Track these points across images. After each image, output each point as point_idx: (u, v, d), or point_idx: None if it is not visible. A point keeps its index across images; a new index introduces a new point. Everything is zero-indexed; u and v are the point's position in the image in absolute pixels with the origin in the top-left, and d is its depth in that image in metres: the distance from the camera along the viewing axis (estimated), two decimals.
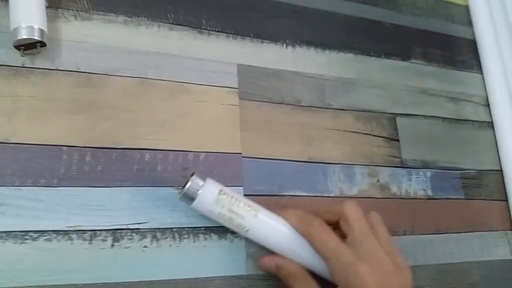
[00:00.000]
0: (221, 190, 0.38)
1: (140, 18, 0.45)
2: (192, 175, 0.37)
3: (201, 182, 0.37)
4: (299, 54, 0.51)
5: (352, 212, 0.39)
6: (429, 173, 0.52)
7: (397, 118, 0.54)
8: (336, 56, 0.53)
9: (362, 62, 0.55)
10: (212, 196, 0.37)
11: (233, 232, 0.41)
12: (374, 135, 0.51)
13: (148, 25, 0.45)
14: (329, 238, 0.37)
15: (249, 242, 0.41)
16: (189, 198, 0.37)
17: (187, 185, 0.37)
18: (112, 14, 0.44)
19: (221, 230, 0.41)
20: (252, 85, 0.47)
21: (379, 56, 0.56)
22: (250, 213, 0.38)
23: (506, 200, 0.55)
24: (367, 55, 0.55)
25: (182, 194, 0.37)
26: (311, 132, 0.48)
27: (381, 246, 0.37)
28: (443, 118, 0.57)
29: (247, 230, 0.38)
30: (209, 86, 0.45)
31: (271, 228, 0.39)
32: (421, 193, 0.51)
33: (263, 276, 0.41)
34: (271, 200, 0.43)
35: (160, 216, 0.39)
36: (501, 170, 0.57)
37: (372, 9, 0.58)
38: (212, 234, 0.40)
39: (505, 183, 0.56)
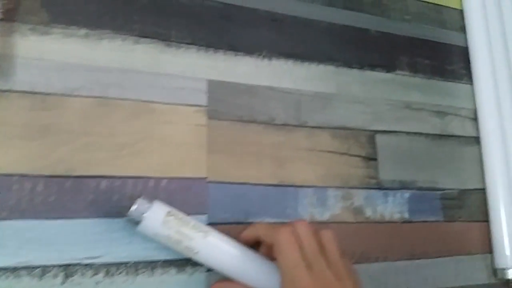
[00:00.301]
0: (169, 212, 0.36)
1: (103, 30, 0.42)
2: (139, 197, 0.36)
3: (147, 204, 0.36)
4: (275, 67, 0.49)
5: (283, 243, 0.36)
6: (407, 194, 0.50)
7: (377, 136, 0.51)
8: (315, 69, 0.50)
9: (343, 75, 0.52)
10: (159, 218, 0.36)
11: (193, 264, 0.39)
12: (351, 155, 0.49)
13: (111, 38, 0.42)
14: (294, 251, 0.35)
15: (210, 274, 0.40)
16: (135, 221, 0.35)
17: (133, 208, 0.35)
18: (74, 26, 0.41)
19: (181, 263, 0.39)
20: (223, 103, 0.45)
21: (362, 67, 0.53)
22: (199, 235, 0.37)
23: (487, 221, 0.53)
24: (349, 67, 0.52)
25: (127, 217, 0.35)
26: (284, 153, 0.46)
27: (330, 268, 0.35)
28: (426, 135, 0.54)
29: (196, 253, 0.37)
30: (175, 105, 0.43)
31: (221, 250, 0.38)
32: (396, 216, 0.49)
33: None
34: (237, 229, 0.41)
35: (115, 249, 0.38)
36: (484, 189, 0.55)
37: (358, 16, 0.55)
38: (171, 268, 0.39)
39: (488, 203, 0.54)
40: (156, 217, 0.36)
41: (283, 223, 0.40)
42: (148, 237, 0.37)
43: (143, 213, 0.35)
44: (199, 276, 0.39)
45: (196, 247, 0.37)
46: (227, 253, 0.38)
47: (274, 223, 0.44)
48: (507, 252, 0.51)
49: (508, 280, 0.51)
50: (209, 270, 0.39)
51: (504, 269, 0.50)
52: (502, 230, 0.52)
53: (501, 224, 0.53)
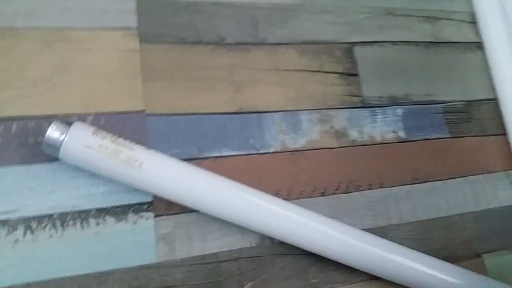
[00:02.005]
0: (95, 129, 0.29)
1: None
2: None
3: (66, 125, 0.28)
4: None
5: None
6: (400, 110, 0.42)
7: (355, 48, 0.43)
8: None
9: None
10: (87, 132, 0.29)
11: (136, 210, 0.31)
12: (325, 72, 0.41)
13: None
14: None
15: (159, 221, 0.32)
16: (55, 146, 0.28)
17: (49, 131, 0.28)
18: None
19: (120, 211, 0.31)
20: (158, 24, 0.37)
21: None
22: (140, 146, 0.30)
23: (505, 133, 0.44)
24: None
25: (44, 146, 0.29)
26: (241, 76, 0.38)
27: None
28: (417, 43, 0.46)
29: (140, 164, 0.29)
30: (97, 30, 0.35)
31: (171, 162, 0.31)
32: (390, 136, 0.40)
33: (180, 262, 0.31)
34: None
35: (34, 200, 0.30)
36: (495, 99, 0.46)
37: None
38: (106, 217, 0.31)
39: (502, 114, 0.45)
40: (83, 131, 0.29)
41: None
42: (73, 163, 0.29)
43: (64, 134, 0.28)
44: (146, 224, 0.32)
45: (140, 157, 0.29)
46: (178, 165, 0.31)
47: (237, 155, 0.35)
48: None
49: None
50: (158, 215, 0.32)
51: None
52: None
53: None
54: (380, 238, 0.34)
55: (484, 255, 0.39)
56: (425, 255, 0.35)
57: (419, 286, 0.34)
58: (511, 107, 0.45)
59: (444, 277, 0.34)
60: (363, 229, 0.35)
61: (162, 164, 0.31)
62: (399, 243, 0.36)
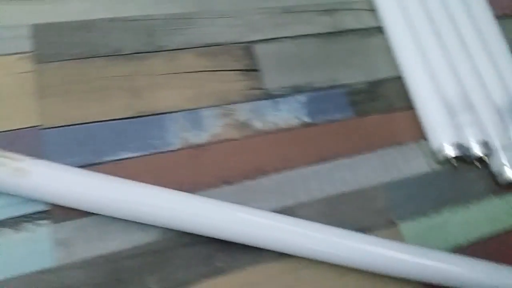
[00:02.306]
0: None
1: None
2: None
3: None
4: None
5: None
6: (303, 97, 0.43)
7: (255, 46, 0.45)
8: None
9: None
10: None
11: (33, 218, 0.32)
12: (225, 70, 0.43)
13: None
14: None
15: (58, 228, 0.32)
16: None
17: None
18: None
19: (16, 221, 0.32)
20: (53, 45, 0.39)
21: None
22: (27, 157, 0.30)
23: (412, 107, 0.46)
24: None
25: None
26: (139, 83, 0.40)
27: None
28: (316, 35, 0.48)
29: (30, 173, 0.30)
30: None
31: (60, 168, 0.31)
32: (294, 122, 0.42)
33: (81, 263, 0.32)
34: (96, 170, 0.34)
35: None
36: (399, 77, 0.47)
37: None
38: (2, 229, 0.31)
39: (408, 89, 0.47)
40: None
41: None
42: None
43: None
44: (44, 231, 0.32)
45: (28, 167, 0.30)
46: (69, 171, 0.31)
47: (138, 157, 0.36)
48: (440, 130, 0.43)
49: (447, 158, 0.42)
50: (57, 221, 0.32)
51: (440, 149, 0.43)
52: (431, 111, 0.45)
53: (428, 105, 0.45)
54: (286, 216, 0.35)
55: (399, 223, 0.39)
56: (334, 227, 0.35)
57: (330, 258, 0.35)
58: (416, 83, 0.47)
59: (356, 245, 0.35)
60: (271, 211, 0.35)
61: (51, 171, 0.32)
62: (311, 219, 0.36)
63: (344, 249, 0.34)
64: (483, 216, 0.42)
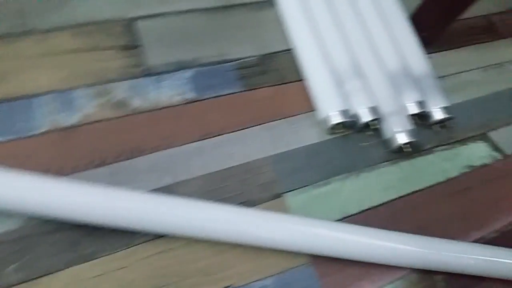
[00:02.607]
0: None
1: None
2: None
3: None
4: None
5: None
6: (188, 73, 0.42)
7: (137, 22, 0.43)
8: None
9: None
10: None
11: None
12: (102, 49, 0.41)
13: None
14: None
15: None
16: None
17: None
18: None
19: None
20: None
21: None
22: None
23: (302, 79, 0.45)
24: None
25: None
26: (5, 66, 0.37)
27: None
28: (205, 9, 0.46)
29: None
30: None
31: None
32: (177, 99, 0.40)
33: None
34: None
35: None
36: (290, 50, 0.47)
37: None
38: None
39: (299, 61, 0.46)
40: None
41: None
42: None
43: None
44: None
45: None
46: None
47: (2, 142, 0.34)
48: (327, 99, 0.43)
49: (335, 126, 0.42)
50: None
51: (327, 117, 0.42)
52: (318, 80, 0.45)
53: (316, 75, 0.45)
54: (162, 195, 0.34)
55: (285, 195, 0.39)
56: (210, 202, 0.34)
57: (204, 234, 0.34)
58: (306, 54, 0.47)
59: (232, 218, 0.34)
60: (149, 191, 0.34)
61: None
62: (194, 196, 0.35)
63: (219, 223, 0.34)
64: (376, 183, 0.42)
